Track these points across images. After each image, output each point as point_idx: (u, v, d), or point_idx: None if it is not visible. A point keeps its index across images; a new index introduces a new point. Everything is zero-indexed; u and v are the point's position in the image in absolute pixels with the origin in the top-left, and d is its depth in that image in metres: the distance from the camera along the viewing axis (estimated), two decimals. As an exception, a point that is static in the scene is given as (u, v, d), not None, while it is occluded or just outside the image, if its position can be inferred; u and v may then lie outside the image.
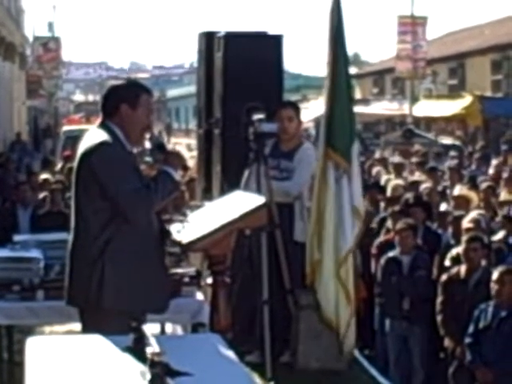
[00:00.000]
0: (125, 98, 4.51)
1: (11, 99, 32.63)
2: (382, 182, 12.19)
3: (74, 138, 9.80)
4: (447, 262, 7.84)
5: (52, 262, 5.90)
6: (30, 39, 42.03)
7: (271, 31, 7.67)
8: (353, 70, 39.93)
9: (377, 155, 18.14)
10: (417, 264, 7.85)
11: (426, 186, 10.89)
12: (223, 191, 6.55)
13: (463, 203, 9.48)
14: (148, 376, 2.97)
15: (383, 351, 8.21)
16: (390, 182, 11.61)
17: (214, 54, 7.58)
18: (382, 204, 10.18)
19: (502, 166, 14.04)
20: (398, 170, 13.45)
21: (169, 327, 6.95)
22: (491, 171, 13.45)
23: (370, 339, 8.42)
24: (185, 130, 58.40)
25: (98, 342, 3.64)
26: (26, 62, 39.67)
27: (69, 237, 4.58)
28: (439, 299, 7.41)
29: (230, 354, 3.63)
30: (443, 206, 10.01)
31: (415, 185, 11.17)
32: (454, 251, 7.80)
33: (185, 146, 30.07)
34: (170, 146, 14.15)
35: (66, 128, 26.01)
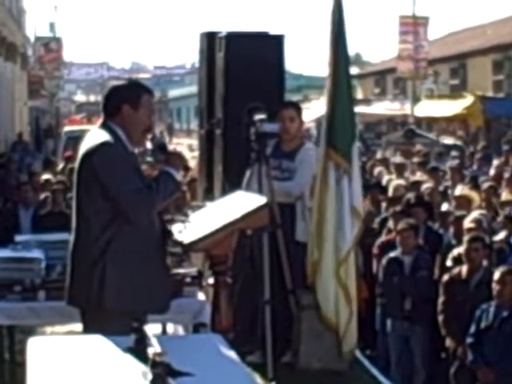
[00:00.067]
0: (126, 99, 4.51)
1: (13, 100, 32.65)
2: (384, 182, 12.19)
3: (76, 139, 9.79)
4: (449, 262, 7.84)
5: (53, 263, 5.90)
6: (32, 40, 42.10)
7: (272, 31, 7.68)
8: (354, 70, 40.03)
9: (378, 155, 18.16)
10: (418, 264, 7.85)
11: (427, 186, 10.88)
12: (225, 191, 6.54)
13: (465, 203, 9.47)
14: (149, 376, 2.97)
15: (385, 351, 8.21)
16: (392, 182, 11.61)
17: (215, 54, 7.58)
18: (384, 204, 10.19)
19: (503, 166, 14.03)
20: (400, 170, 13.44)
21: (170, 327, 6.95)
22: (493, 171, 13.43)
23: (372, 339, 8.42)
24: (186, 130, 58.41)
25: (100, 343, 3.64)
26: (27, 63, 39.70)
27: (70, 237, 4.59)
28: (441, 299, 7.41)
29: (232, 354, 3.63)
30: (445, 206, 10.00)
31: (417, 185, 11.16)
32: (456, 251, 7.80)
33: (186, 146, 30.10)
34: (171, 147, 14.16)
35: (67, 128, 25.99)
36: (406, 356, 7.91)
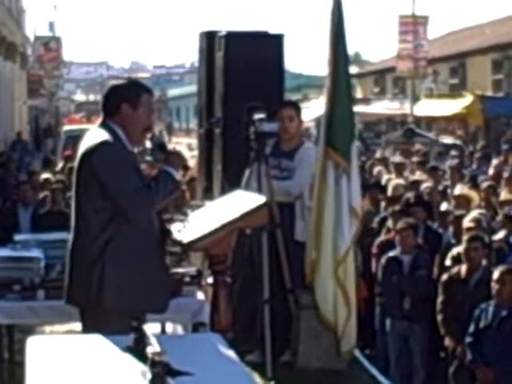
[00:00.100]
0: (126, 98, 4.51)
1: (12, 99, 32.65)
2: (383, 181, 12.19)
3: (75, 138, 9.78)
4: (448, 262, 7.84)
5: (53, 262, 5.90)
6: (31, 39, 42.09)
7: (272, 31, 7.67)
8: (354, 70, 39.95)
9: (378, 155, 18.14)
10: (417, 263, 7.85)
11: (426, 185, 10.88)
12: (224, 191, 6.54)
13: (464, 203, 9.48)
14: (148, 376, 2.97)
15: (384, 351, 8.21)
16: (391, 181, 11.61)
17: (214, 54, 7.58)
18: (383, 203, 10.18)
19: (502, 165, 14.04)
20: (399, 169, 13.44)
21: (169, 327, 6.95)
22: (492, 171, 13.44)
23: (371, 339, 8.42)
24: (185, 129, 58.40)
25: (99, 342, 3.64)
26: (26, 62, 39.69)
27: (69, 236, 4.58)
28: (440, 299, 7.41)
29: (231, 353, 3.63)
30: (444, 206, 10.01)
31: (416, 184, 11.16)
32: (455, 251, 7.80)
33: (185, 145, 30.06)
34: (170, 146, 14.13)
35: (66, 127, 26.02)
36: (405, 355, 7.91)
